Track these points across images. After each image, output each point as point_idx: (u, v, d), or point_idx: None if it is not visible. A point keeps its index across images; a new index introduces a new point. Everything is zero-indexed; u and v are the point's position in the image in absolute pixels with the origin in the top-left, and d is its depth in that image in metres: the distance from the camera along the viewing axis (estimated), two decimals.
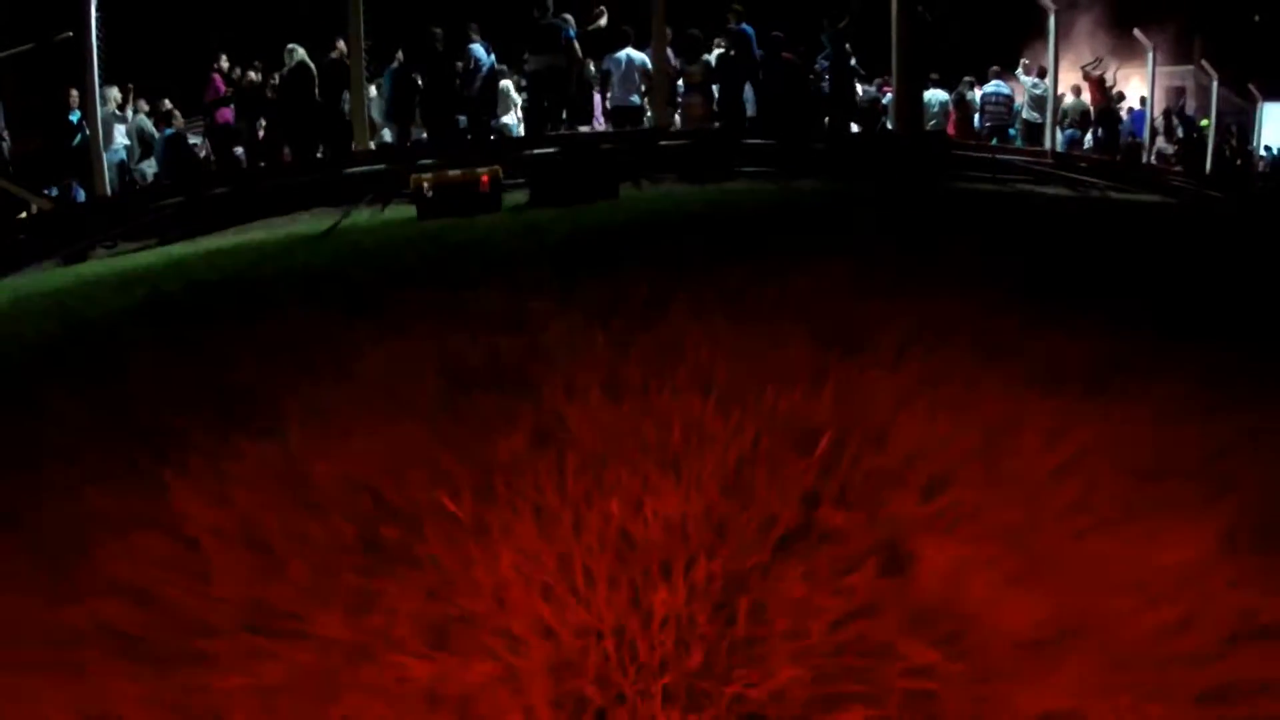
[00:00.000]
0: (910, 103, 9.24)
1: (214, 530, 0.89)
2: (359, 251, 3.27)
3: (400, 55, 7.69)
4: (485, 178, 4.45)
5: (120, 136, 7.53)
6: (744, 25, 8.11)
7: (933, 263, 2.32)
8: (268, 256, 3.45)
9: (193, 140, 9.10)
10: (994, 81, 10.35)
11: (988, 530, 0.83)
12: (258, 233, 6.26)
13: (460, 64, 7.61)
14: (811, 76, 8.60)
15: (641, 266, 2.34)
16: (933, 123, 10.76)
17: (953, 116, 10.43)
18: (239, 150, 7.83)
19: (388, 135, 7.79)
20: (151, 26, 8.44)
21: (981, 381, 1.26)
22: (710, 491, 0.89)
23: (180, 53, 8.42)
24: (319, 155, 7.29)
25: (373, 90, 8.01)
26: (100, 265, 5.49)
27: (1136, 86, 37.09)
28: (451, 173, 4.59)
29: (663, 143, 7.62)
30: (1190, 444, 1.06)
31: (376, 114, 8.01)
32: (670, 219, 3.76)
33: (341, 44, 7.48)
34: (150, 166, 8.05)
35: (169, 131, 7.62)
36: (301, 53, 7.28)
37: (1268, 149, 16.47)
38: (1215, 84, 13.65)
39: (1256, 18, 35.07)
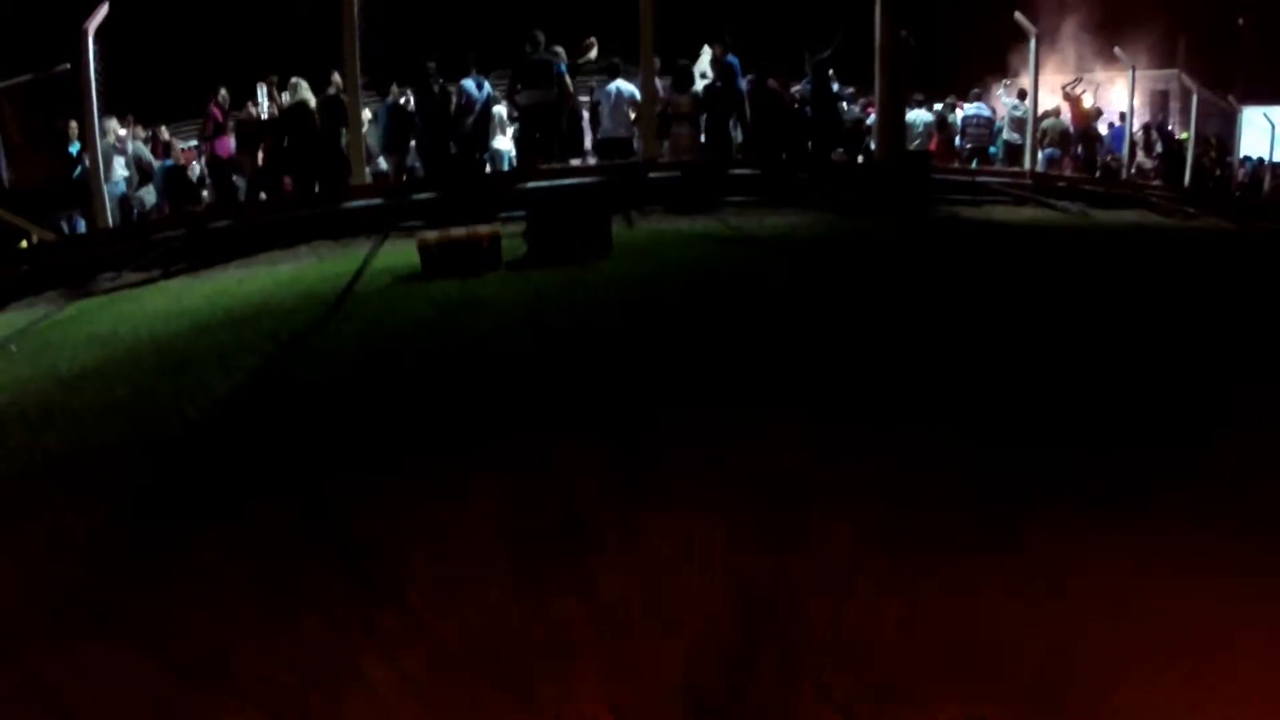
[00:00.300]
0: (893, 126, 9.76)
1: (394, 687, 1.36)
2: (384, 333, 3.70)
3: (395, 89, 8.13)
4: (486, 240, 4.91)
5: (120, 168, 7.90)
6: (730, 57, 8.61)
7: (900, 386, 2.81)
8: (293, 329, 3.87)
9: (187, 145, 9.48)
10: (975, 104, 10.90)
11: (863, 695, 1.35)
12: (261, 271, 6.65)
13: (454, 97, 8.05)
14: (796, 105, 9.08)
15: (641, 378, 2.84)
16: (916, 142, 11.33)
17: (935, 138, 10.97)
18: (237, 180, 8.23)
19: (383, 165, 8.23)
20: (151, 58, 8.79)
21: (911, 543, 1.77)
22: (703, 649, 1.40)
23: (179, 83, 8.78)
24: (318, 189, 7.71)
25: (367, 113, 8.43)
26: (109, 310, 5.83)
27: (1121, 91, 37.79)
28: (455, 232, 5.05)
29: (652, 175, 8.09)
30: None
31: (373, 142, 8.44)
32: (665, 290, 4.25)
33: (337, 77, 7.90)
34: (149, 194, 8.44)
35: (168, 163, 8.01)
36: (305, 88, 7.69)
37: (1247, 158, 17.15)
38: (1195, 97, 14.26)
39: (1240, 20, 36.11)
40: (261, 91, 8.82)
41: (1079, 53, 35.46)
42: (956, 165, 10.64)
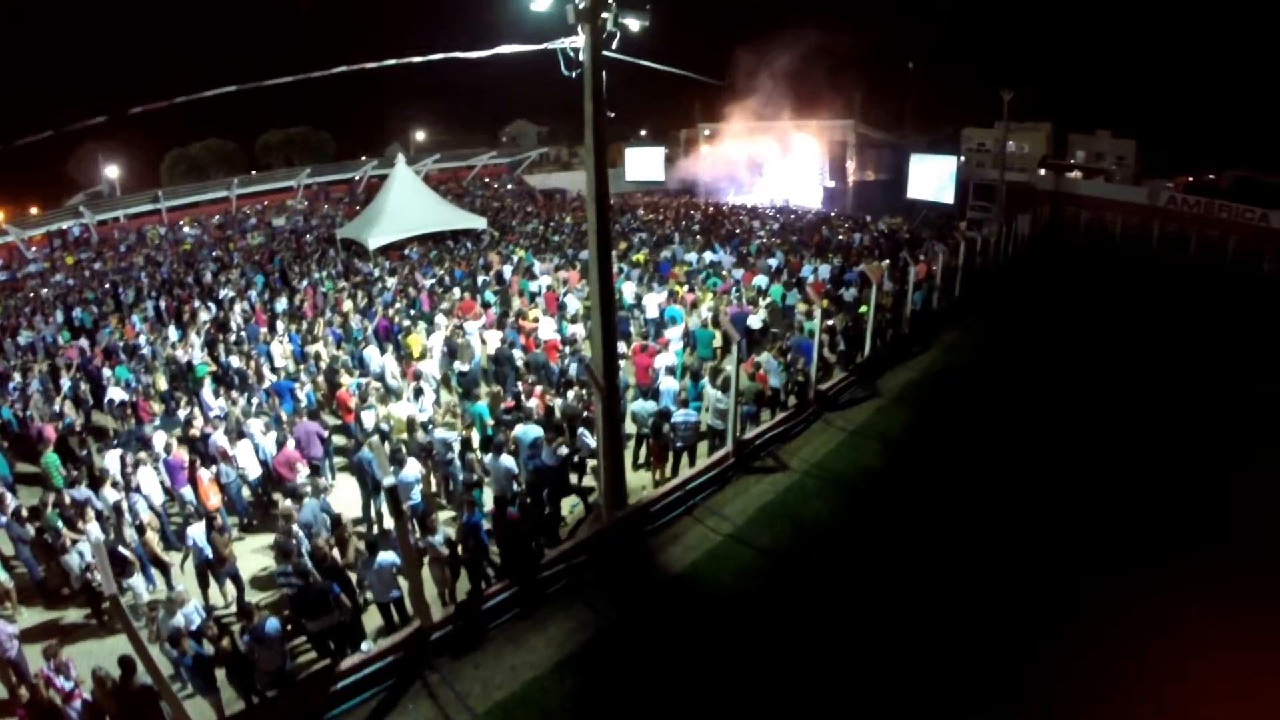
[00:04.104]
0: (614, 485, 13.78)
1: None
2: None
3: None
4: None
5: None
6: (474, 516, 12.00)
7: None
8: None
9: None
10: (682, 411, 15.12)
11: None
12: None
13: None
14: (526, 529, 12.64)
15: None
16: (644, 431, 15.49)
17: (653, 444, 15.17)
18: None
19: None
20: None
21: None
22: None
23: None
24: None
25: None
26: None
27: (807, 139, 46.54)
28: None
29: (433, 638, 11.48)
30: None
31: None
32: None
33: None
34: None
35: None
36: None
37: (918, 288, 23.04)
38: (874, 288, 19.50)
39: (910, 64, 45.05)
40: None
41: (768, 108, 42.64)
42: (671, 483, 14.81)
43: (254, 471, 15.83)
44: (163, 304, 30.85)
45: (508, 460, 13.75)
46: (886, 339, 21.26)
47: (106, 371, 22.59)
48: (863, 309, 20.46)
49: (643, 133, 49.84)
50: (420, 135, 59.14)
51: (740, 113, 44.21)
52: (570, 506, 14.67)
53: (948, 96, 42.41)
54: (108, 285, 34.93)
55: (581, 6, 11.71)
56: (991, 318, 25.53)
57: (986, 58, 38.17)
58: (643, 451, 16.12)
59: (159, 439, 16.25)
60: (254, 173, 53.71)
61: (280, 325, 25.25)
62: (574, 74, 12.32)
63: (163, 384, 21.71)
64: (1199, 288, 29.92)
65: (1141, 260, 33.87)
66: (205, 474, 14.82)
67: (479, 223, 33.58)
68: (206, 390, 19.52)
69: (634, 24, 12.10)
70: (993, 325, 24.85)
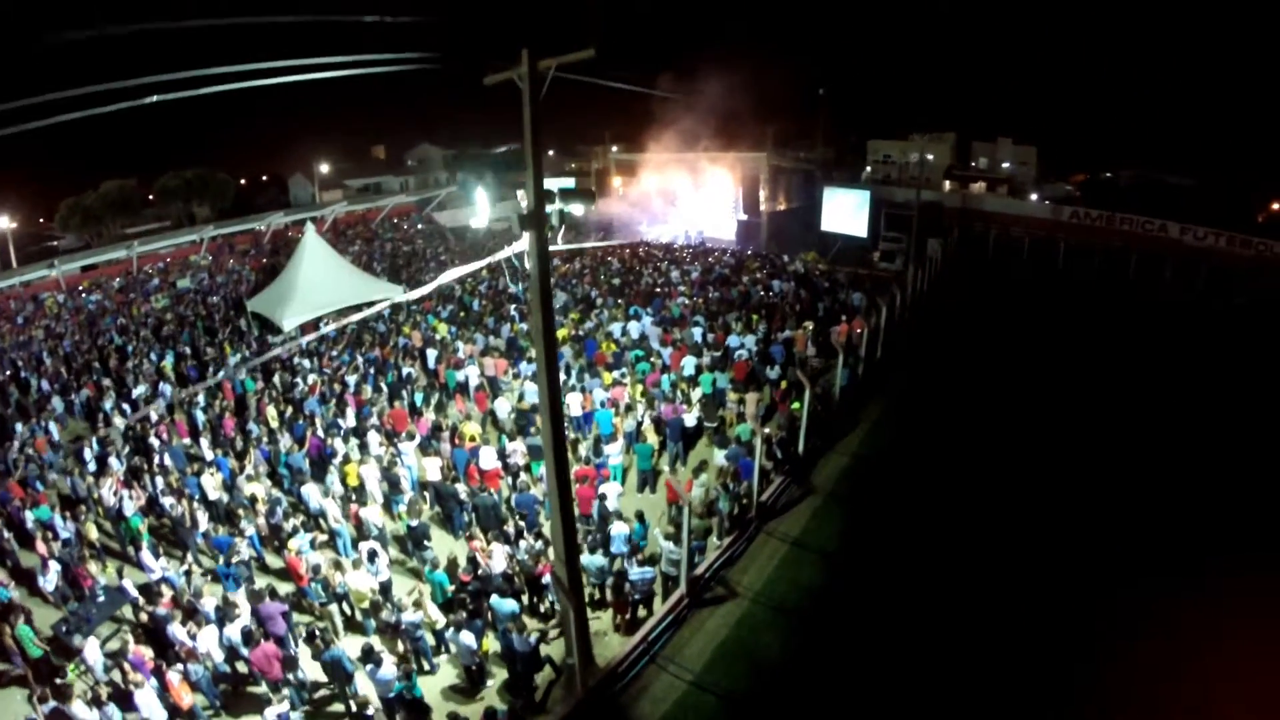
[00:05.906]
0: (581, 646, 15.24)
1: None
2: None
3: None
4: None
5: None
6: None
7: None
8: None
9: None
10: (638, 569, 16.60)
11: None
12: None
13: None
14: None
15: None
16: (601, 588, 16.96)
17: (615, 601, 16.68)
18: None
19: None
20: None
21: None
22: None
23: None
24: None
25: None
26: None
27: (721, 172, 48.60)
28: None
29: None
30: None
31: None
32: None
33: None
34: None
35: None
36: None
37: (846, 365, 24.83)
38: (808, 388, 21.20)
39: (821, 90, 47.06)
40: None
41: (681, 142, 44.14)
42: (635, 638, 16.29)
43: (218, 655, 16.55)
44: (75, 399, 30.56)
45: (468, 638, 15.08)
46: (817, 427, 22.97)
47: (28, 515, 22.44)
48: (795, 405, 22.04)
49: (550, 152, 50.51)
50: (324, 168, 58.52)
51: (654, 145, 45.44)
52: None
53: (853, 109, 44.47)
54: (8, 371, 33.98)
55: (526, 211, 12.24)
56: (914, 377, 27.35)
57: (890, 71, 40.13)
58: (597, 594, 17.53)
59: (94, 652, 16.54)
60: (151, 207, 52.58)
61: (205, 443, 25.36)
62: (521, 287, 13.37)
63: (94, 533, 21.90)
64: (1107, 307, 32.75)
65: (1050, 279, 36.56)
66: (174, 676, 15.45)
67: (395, 292, 34.01)
68: (145, 552, 19.82)
69: (578, 210, 13.13)
70: (916, 387, 26.65)
